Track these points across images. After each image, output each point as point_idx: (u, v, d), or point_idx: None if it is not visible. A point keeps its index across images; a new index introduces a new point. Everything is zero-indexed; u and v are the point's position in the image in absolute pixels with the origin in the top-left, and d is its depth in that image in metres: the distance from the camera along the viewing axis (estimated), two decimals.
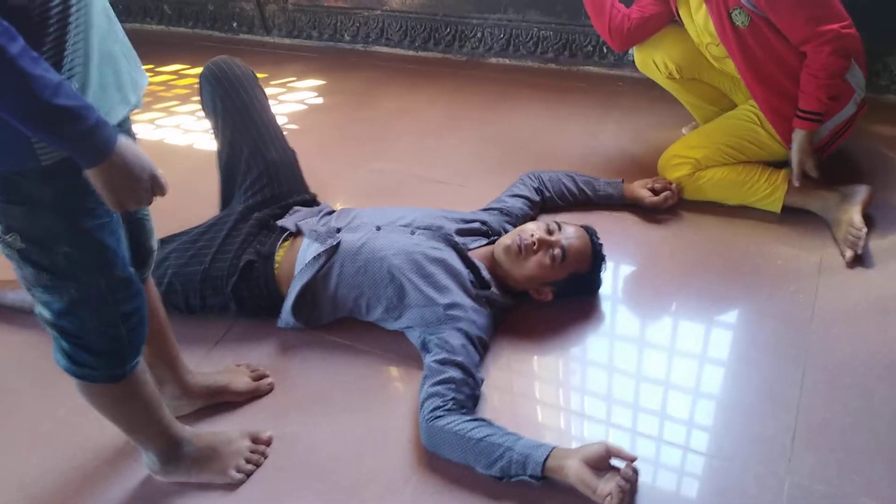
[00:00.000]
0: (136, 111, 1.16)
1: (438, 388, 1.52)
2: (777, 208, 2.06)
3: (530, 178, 2.16)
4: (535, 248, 1.73)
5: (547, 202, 2.15)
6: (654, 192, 2.12)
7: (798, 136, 1.95)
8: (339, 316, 1.81)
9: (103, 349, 1.20)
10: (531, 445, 1.40)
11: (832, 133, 2.01)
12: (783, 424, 1.50)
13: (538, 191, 2.13)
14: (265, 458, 1.54)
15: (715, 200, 2.12)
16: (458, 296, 1.69)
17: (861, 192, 1.98)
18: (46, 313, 1.16)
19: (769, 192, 2.05)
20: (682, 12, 2.09)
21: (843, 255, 1.91)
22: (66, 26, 0.95)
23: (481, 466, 1.42)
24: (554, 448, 1.39)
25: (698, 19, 2.02)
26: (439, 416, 1.47)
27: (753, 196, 2.07)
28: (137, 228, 1.32)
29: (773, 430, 1.49)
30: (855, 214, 1.94)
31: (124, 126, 1.17)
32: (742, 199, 2.09)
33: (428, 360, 1.60)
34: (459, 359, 1.57)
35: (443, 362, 1.57)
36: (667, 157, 2.17)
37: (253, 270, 1.80)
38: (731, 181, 2.07)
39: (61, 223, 1.07)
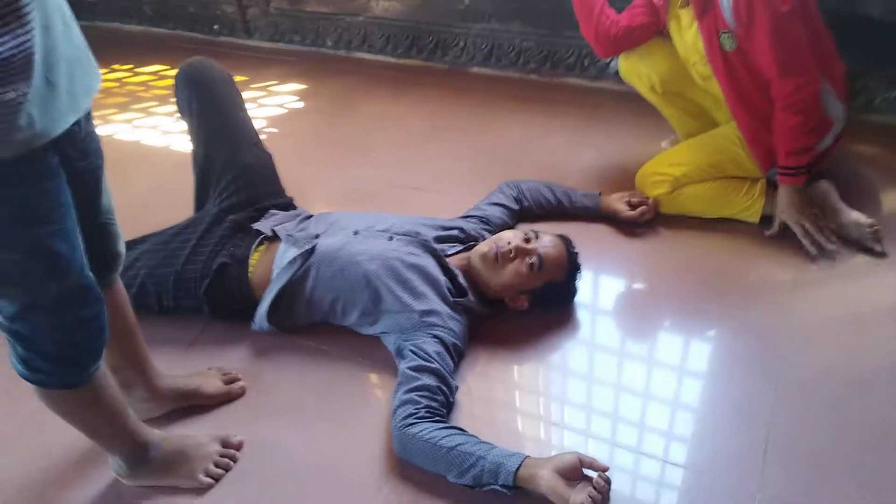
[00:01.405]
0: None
1: (412, 395, 1.51)
2: (755, 219, 2.08)
3: (509, 187, 2.16)
4: (511, 255, 1.73)
5: (525, 211, 2.15)
6: (632, 206, 2.13)
7: (783, 191, 1.97)
8: (315, 320, 1.80)
9: (58, 355, 1.17)
10: (504, 454, 1.39)
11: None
12: (755, 439, 1.50)
13: (517, 199, 2.13)
14: (235, 462, 1.52)
15: (693, 214, 2.13)
16: (435, 302, 1.69)
17: (827, 187, 2.01)
18: (0, 317, 1.14)
19: (747, 205, 2.06)
20: (671, 27, 2.10)
21: (872, 249, 1.94)
22: (28, 30, 0.91)
23: (453, 475, 1.40)
24: (526, 457, 1.38)
25: (688, 37, 2.03)
26: (412, 424, 1.46)
27: (731, 209, 2.09)
28: (101, 233, 1.28)
29: (746, 445, 1.50)
30: (850, 213, 1.97)
31: (84, 128, 1.13)
32: (720, 213, 2.11)
33: (402, 366, 1.59)
34: (434, 366, 1.56)
35: (417, 369, 1.55)
36: (645, 174, 2.17)
37: (226, 273, 1.78)
38: (710, 197, 2.08)
39: (9, 230, 1.03)
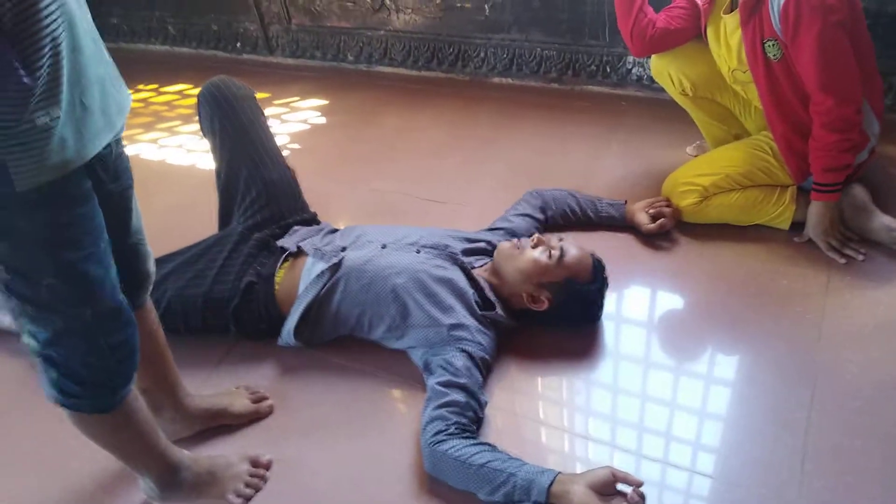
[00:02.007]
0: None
1: (441, 411, 1.50)
2: (786, 226, 2.05)
3: (533, 197, 2.14)
4: (533, 244, 1.73)
5: (550, 221, 2.13)
6: (653, 217, 2.09)
7: (814, 208, 1.94)
8: (341, 334, 1.79)
9: (91, 379, 1.17)
10: (535, 471, 1.37)
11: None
12: (792, 448, 1.48)
13: (542, 209, 2.12)
14: (265, 482, 1.52)
15: (722, 223, 2.10)
16: (463, 316, 1.67)
17: (863, 193, 1.98)
18: (33, 343, 1.13)
19: (778, 213, 2.03)
20: (710, 32, 2.06)
21: None
22: (57, 52, 0.92)
23: (484, 493, 1.39)
24: (559, 473, 1.37)
25: (732, 42, 1.98)
26: (442, 441, 1.45)
27: (762, 217, 2.06)
28: (131, 254, 1.29)
29: (783, 454, 1.47)
30: (881, 217, 1.94)
31: (114, 150, 1.14)
32: (750, 221, 2.08)
33: (431, 382, 1.58)
34: (463, 381, 1.55)
35: (446, 385, 1.54)
36: (672, 184, 2.14)
37: (253, 292, 1.78)
38: (740, 206, 2.05)
39: (44, 255, 1.03)
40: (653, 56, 2.26)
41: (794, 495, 1.39)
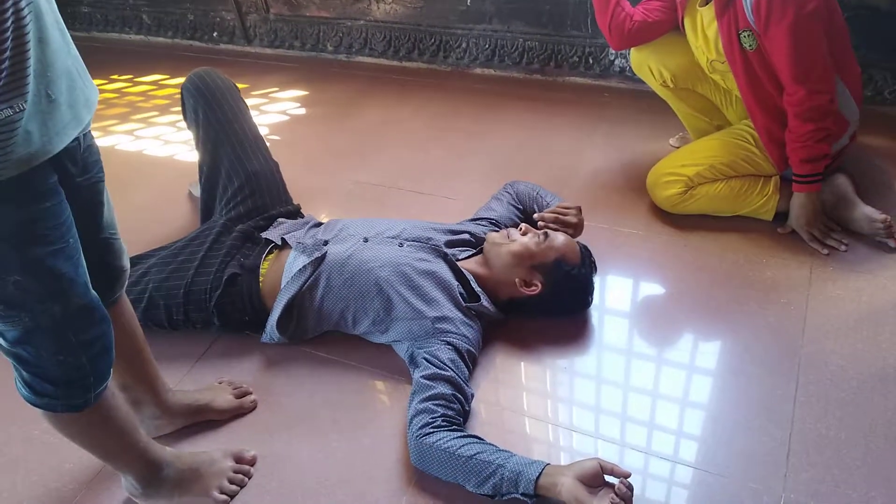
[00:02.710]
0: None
1: (427, 404, 1.49)
2: (769, 217, 2.06)
3: (509, 189, 2.11)
4: (521, 231, 1.75)
5: (525, 213, 2.10)
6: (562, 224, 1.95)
7: (796, 199, 1.95)
8: (325, 329, 1.78)
9: (63, 378, 1.14)
10: (523, 462, 1.37)
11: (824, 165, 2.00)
12: (777, 439, 1.48)
13: (518, 201, 2.09)
14: (249, 478, 1.50)
15: (706, 213, 2.11)
16: (448, 308, 1.66)
17: (846, 183, 2.00)
18: (2, 341, 1.10)
19: (762, 203, 2.04)
20: (687, 24, 2.07)
21: (886, 244, 1.93)
22: (22, 44, 0.89)
23: (472, 485, 1.38)
24: (547, 465, 1.36)
25: (710, 34, 1.99)
26: (429, 434, 1.44)
27: (746, 208, 2.07)
28: (104, 249, 1.26)
29: (768, 446, 1.47)
30: (863, 207, 1.95)
31: (83, 143, 1.11)
32: (734, 211, 2.09)
33: (416, 375, 1.56)
34: (449, 373, 1.54)
35: (432, 377, 1.53)
36: (657, 174, 2.14)
37: (237, 284, 1.76)
38: (724, 196, 2.06)
39: (10, 251, 1.00)
40: (632, 50, 2.27)
41: (780, 487, 1.39)
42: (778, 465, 1.43)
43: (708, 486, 1.42)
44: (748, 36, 1.85)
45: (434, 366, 1.55)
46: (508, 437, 1.54)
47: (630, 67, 2.56)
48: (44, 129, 0.95)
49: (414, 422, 1.47)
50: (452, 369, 1.55)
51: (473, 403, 1.59)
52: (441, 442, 1.42)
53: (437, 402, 1.49)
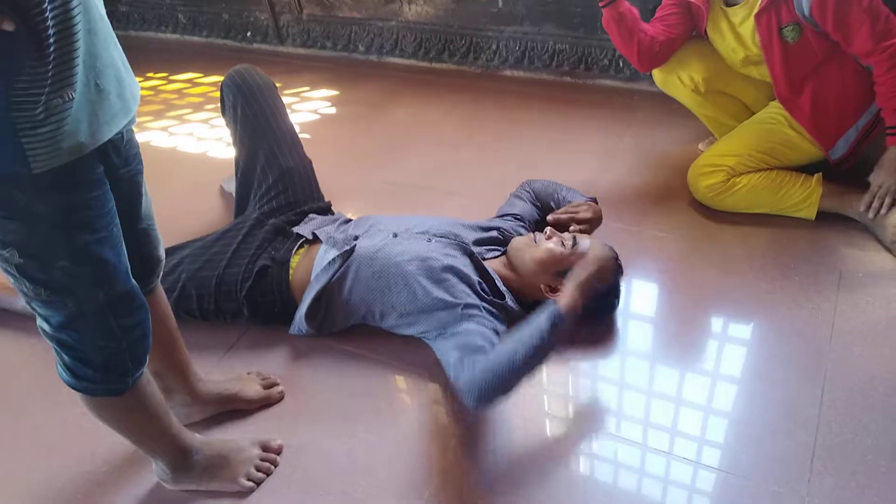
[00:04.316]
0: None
1: (466, 358, 1.51)
2: (812, 214, 2.05)
3: (523, 189, 2.12)
4: (547, 236, 1.76)
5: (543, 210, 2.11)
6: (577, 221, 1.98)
7: (891, 152, 1.93)
8: (352, 322, 1.80)
9: (103, 363, 1.17)
10: (540, 315, 1.50)
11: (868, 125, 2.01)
12: (802, 444, 1.48)
13: (536, 199, 2.10)
14: (276, 466, 1.52)
15: (746, 209, 2.10)
16: (473, 299, 1.68)
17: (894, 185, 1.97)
18: (46, 326, 1.14)
19: (804, 196, 2.03)
20: (710, 28, 2.08)
21: None
22: (72, 34, 0.92)
23: (530, 364, 1.46)
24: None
25: (742, 31, 2.00)
26: (476, 363, 1.48)
27: (788, 202, 2.05)
28: (143, 238, 1.29)
29: (792, 450, 1.47)
30: None
31: (125, 136, 1.14)
32: (775, 206, 2.07)
33: (450, 352, 1.57)
34: (480, 342, 1.55)
35: (463, 347, 1.55)
36: (697, 167, 2.14)
37: (267, 276, 1.78)
38: (765, 187, 2.05)
39: (59, 238, 1.04)
40: (653, 70, 2.28)
41: (803, 490, 1.39)
42: (802, 470, 1.42)
43: (730, 487, 1.42)
44: (793, 29, 1.87)
45: (465, 339, 1.57)
46: (528, 436, 1.55)
47: None
48: (93, 118, 0.98)
49: (457, 372, 1.51)
50: (484, 339, 1.57)
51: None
52: (486, 362, 1.47)
53: (475, 356, 1.52)
